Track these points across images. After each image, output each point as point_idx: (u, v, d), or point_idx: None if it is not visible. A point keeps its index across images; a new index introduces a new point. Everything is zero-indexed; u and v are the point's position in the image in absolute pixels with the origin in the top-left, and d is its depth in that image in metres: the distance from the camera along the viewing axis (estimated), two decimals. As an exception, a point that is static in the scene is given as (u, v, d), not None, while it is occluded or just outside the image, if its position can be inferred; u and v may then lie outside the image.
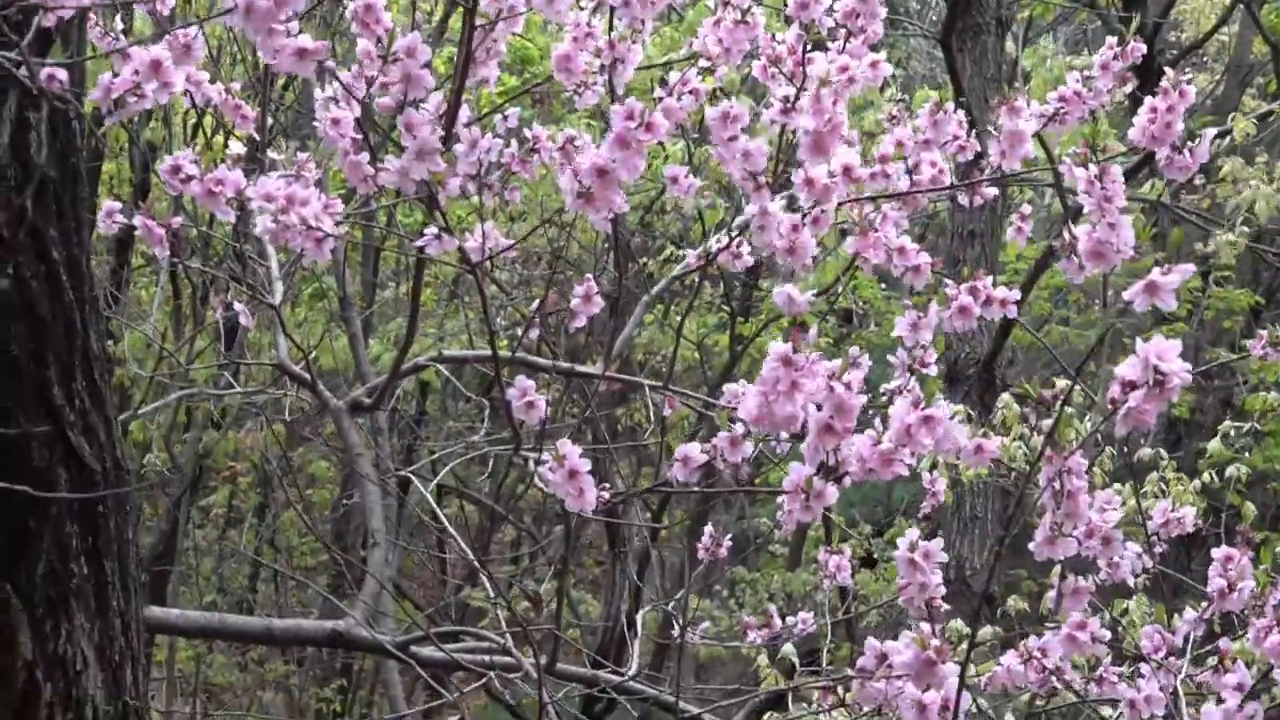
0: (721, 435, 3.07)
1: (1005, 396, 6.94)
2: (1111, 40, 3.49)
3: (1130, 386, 2.47)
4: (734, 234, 3.57)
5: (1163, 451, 7.24)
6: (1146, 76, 4.15)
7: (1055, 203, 10.36)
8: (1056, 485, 2.75)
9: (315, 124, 3.24)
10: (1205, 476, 7.17)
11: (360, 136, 3.10)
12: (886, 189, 3.48)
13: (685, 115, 3.27)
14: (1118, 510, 3.03)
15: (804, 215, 3.29)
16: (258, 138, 3.72)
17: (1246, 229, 8.25)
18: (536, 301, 3.67)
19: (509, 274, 11.29)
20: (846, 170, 3.31)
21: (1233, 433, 7.64)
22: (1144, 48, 3.51)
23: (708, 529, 4.52)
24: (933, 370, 3.28)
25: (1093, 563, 3.34)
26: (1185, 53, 14.10)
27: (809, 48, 3.32)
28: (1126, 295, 2.81)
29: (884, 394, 3.35)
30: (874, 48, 3.44)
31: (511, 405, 3.25)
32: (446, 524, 4.83)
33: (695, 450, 3.11)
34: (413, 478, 5.08)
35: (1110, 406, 2.50)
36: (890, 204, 3.48)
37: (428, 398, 13.15)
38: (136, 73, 2.95)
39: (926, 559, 2.85)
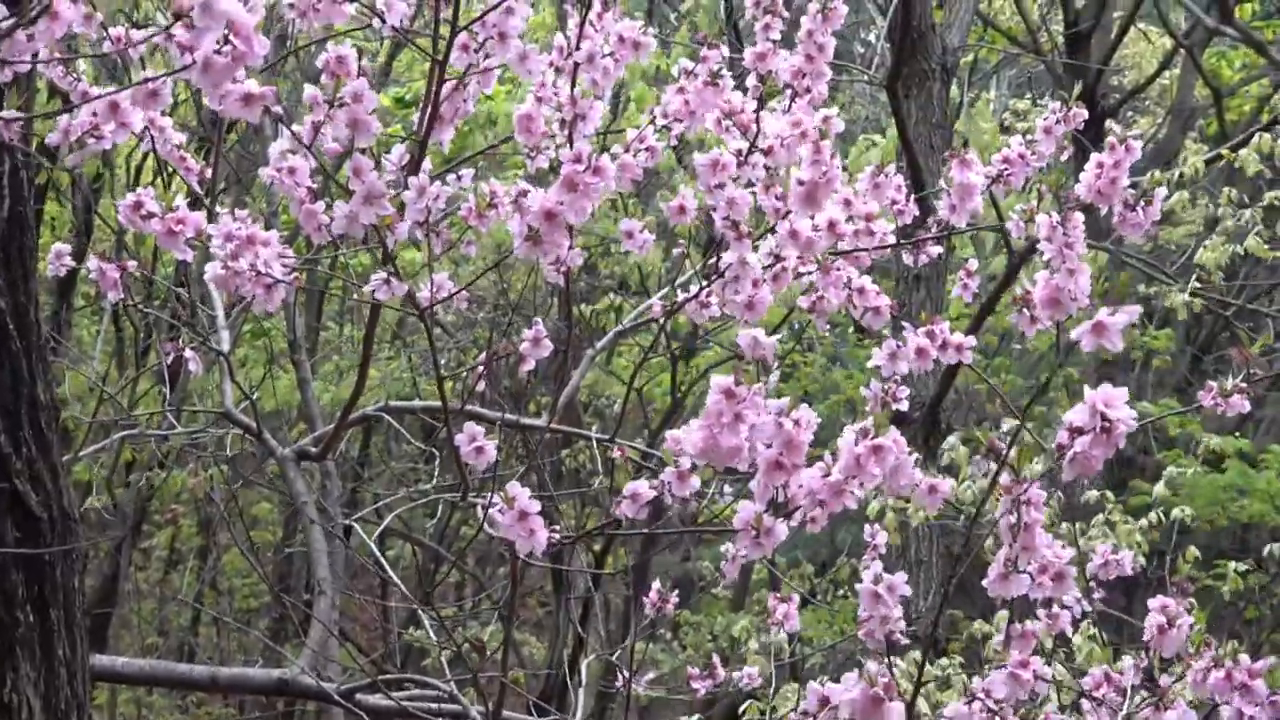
0: (669, 470, 3.06)
1: (951, 439, 6.97)
2: (1055, 105, 3.55)
3: (1077, 432, 2.51)
4: (702, 284, 3.58)
5: (1109, 494, 7.30)
6: (1089, 121, 4.20)
7: (998, 260, 10.46)
8: (1013, 518, 2.76)
9: (260, 173, 3.24)
10: (1152, 517, 7.24)
11: (314, 185, 3.11)
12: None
13: (641, 172, 3.29)
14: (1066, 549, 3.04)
15: (765, 269, 3.32)
16: (200, 191, 3.70)
17: (1199, 283, 8.33)
18: (483, 354, 3.68)
19: (453, 316, 11.29)
20: (831, 225, 3.36)
21: (1176, 474, 7.71)
22: (1085, 114, 3.57)
23: (655, 583, 4.52)
24: (904, 405, 3.30)
25: (1033, 609, 3.36)
26: (1127, 97, 14.25)
27: (761, 102, 3.35)
28: (1074, 335, 2.84)
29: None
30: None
31: (460, 451, 3.26)
32: (390, 572, 4.82)
33: (643, 486, 3.10)
34: (356, 527, 5.06)
35: (1058, 452, 2.52)
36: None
37: (370, 441, 13.13)
38: (95, 114, 2.96)
39: (890, 592, 2.87)
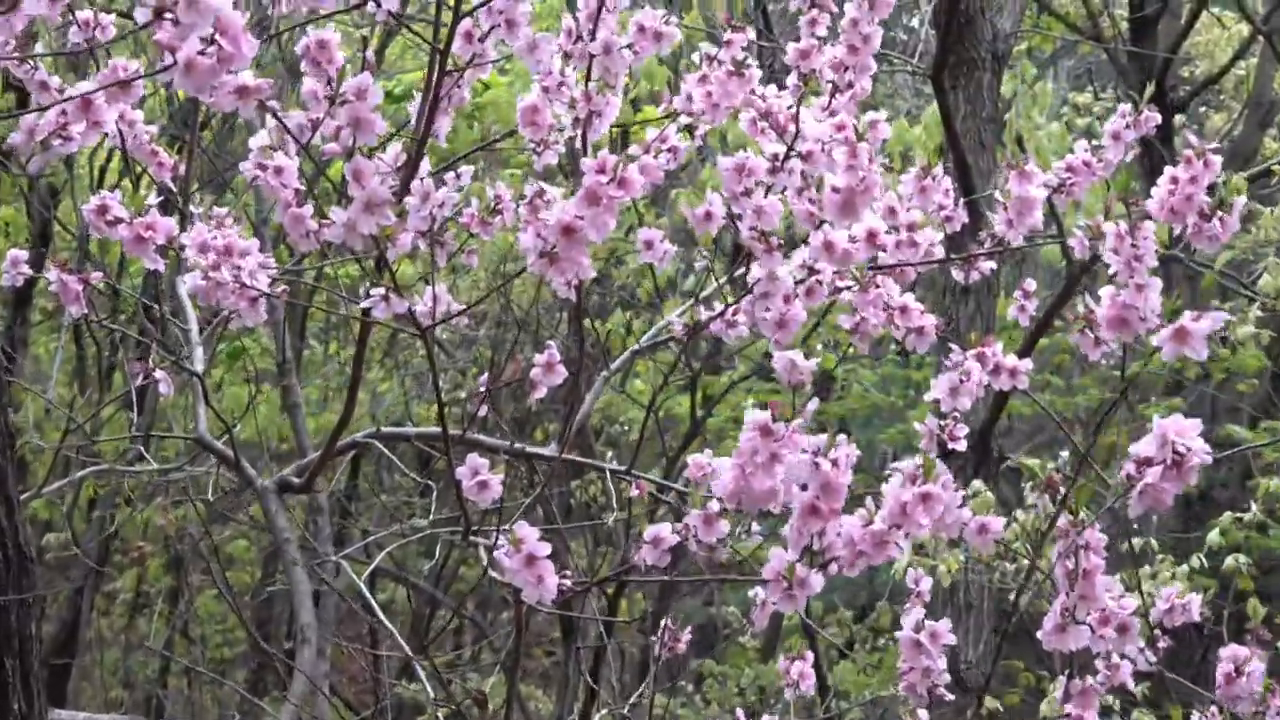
0: (694, 514, 2.95)
1: (976, 484, 6.94)
2: (1124, 109, 3.53)
3: (1146, 464, 2.49)
4: (728, 300, 3.55)
5: (1153, 541, 7.27)
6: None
7: (1047, 250, 10.41)
8: (1070, 564, 2.74)
9: (242, 171, 3.23)
10: (1196, 562, 7.22)
11: (303, 187, 3.09)
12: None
13: (662, 175, 3.26)
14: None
15: (797, 284, 3.30)
16: (174, 188, 3.70)
17: (1260, 312, 8.30)
18: (484, 375, 3.66)
19: (449, 333, 11.28)
20: (871, 236, 3.33)
21: (1246, 515, 7.68)
22: (1158, 118, 3.55)
23: (664, 621, 4.47)
24: (962, 445, 3.25)
25: (1094, 661, 3.34)
26: (1199, 90, 14.19)
27: (801, 101, 3.32)
28: (1155, 341, 2.84)
29: (889, 472, 3.32)
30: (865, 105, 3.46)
31: (462, 485, 3.24)
32: (381, 615, 4.81)
33: (666, 530, 3.03)
34: (345, 565, 5.02)
35: (1125, 484, 2.50)
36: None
37: (360, 472, 13.11)
38: (64, 113, 2.96)
39: (933, 640, 2.86)
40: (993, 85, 8.82)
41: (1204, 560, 7.25)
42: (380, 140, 3.08)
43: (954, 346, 3.40)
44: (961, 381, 3.34)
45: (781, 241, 3.29)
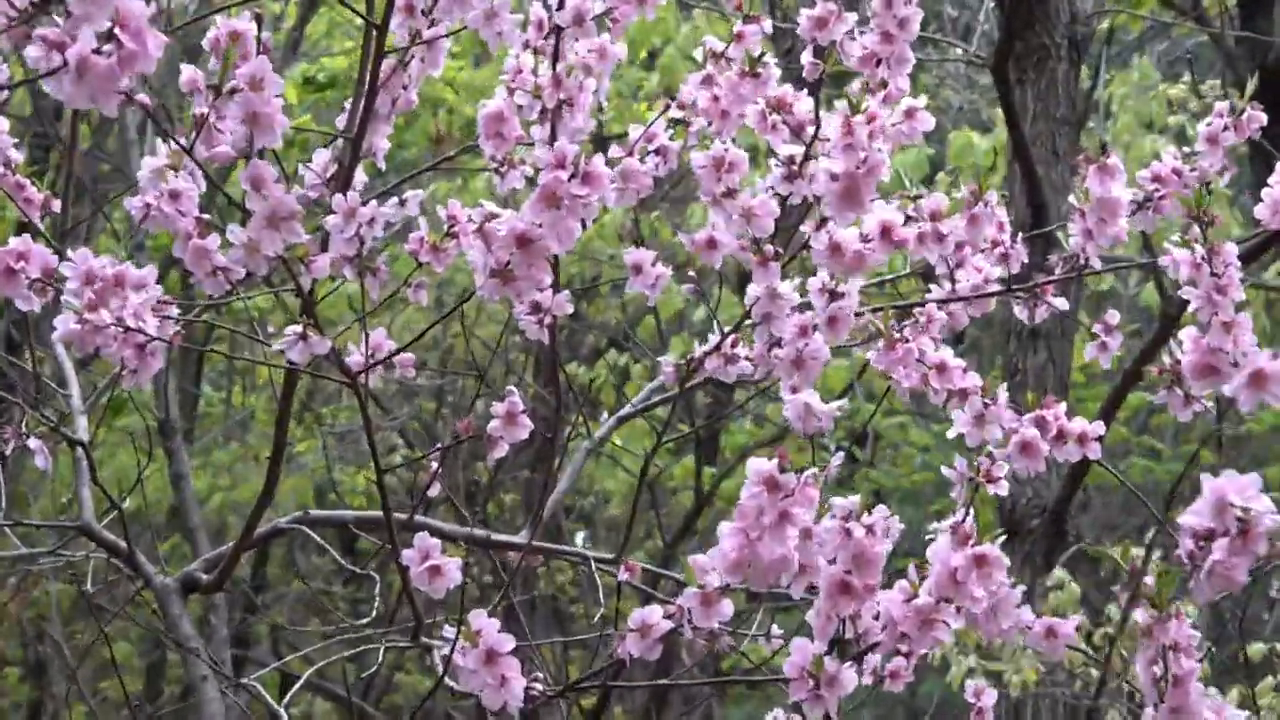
0: (689, 592, 2.87)
1: (1058, 573, 6.92)
2: (1222, 107, 3.52)
3: (1207, 537, 2.46)
4: (724, 330, 3.52)
5: (1278, 646, 7.26)
6: (1274, 117, 4.12)
7: (1146, 290, 10.42)
8: (1158, 670, 2.68)
9: (127, 204, 3.19)
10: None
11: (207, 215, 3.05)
12: (941, 258, 3.44)
13: (650, 182, 3.24)
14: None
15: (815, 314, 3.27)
16: (40, 228, 3.64)
17: None
18: (430, 435, 3.69)
19: (385, 383, 11.27)
20: (885, 231, 3.27)
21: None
22: (1263, 117, 3.53)
23: None
24: (1003, 488, 3.19)
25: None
26: (1325, 83, 14.19)
27: (817, 87, 3.28)
28: (1227, 390, 2.82)
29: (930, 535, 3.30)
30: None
31: (410, 573, 3.22)
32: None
33: (657, 615, 2.94)
34: (257, 687, 4.92)
35: (1187, 564, 2.48)
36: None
37: (268, 554, 13.05)
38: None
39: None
40: (1069, 79, 8.61)
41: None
42: (299, 139, 3.08)
43: (1005, 409, 3.34)
44: (986, 406, 3.30)
45: (780, 251, 3.27)
